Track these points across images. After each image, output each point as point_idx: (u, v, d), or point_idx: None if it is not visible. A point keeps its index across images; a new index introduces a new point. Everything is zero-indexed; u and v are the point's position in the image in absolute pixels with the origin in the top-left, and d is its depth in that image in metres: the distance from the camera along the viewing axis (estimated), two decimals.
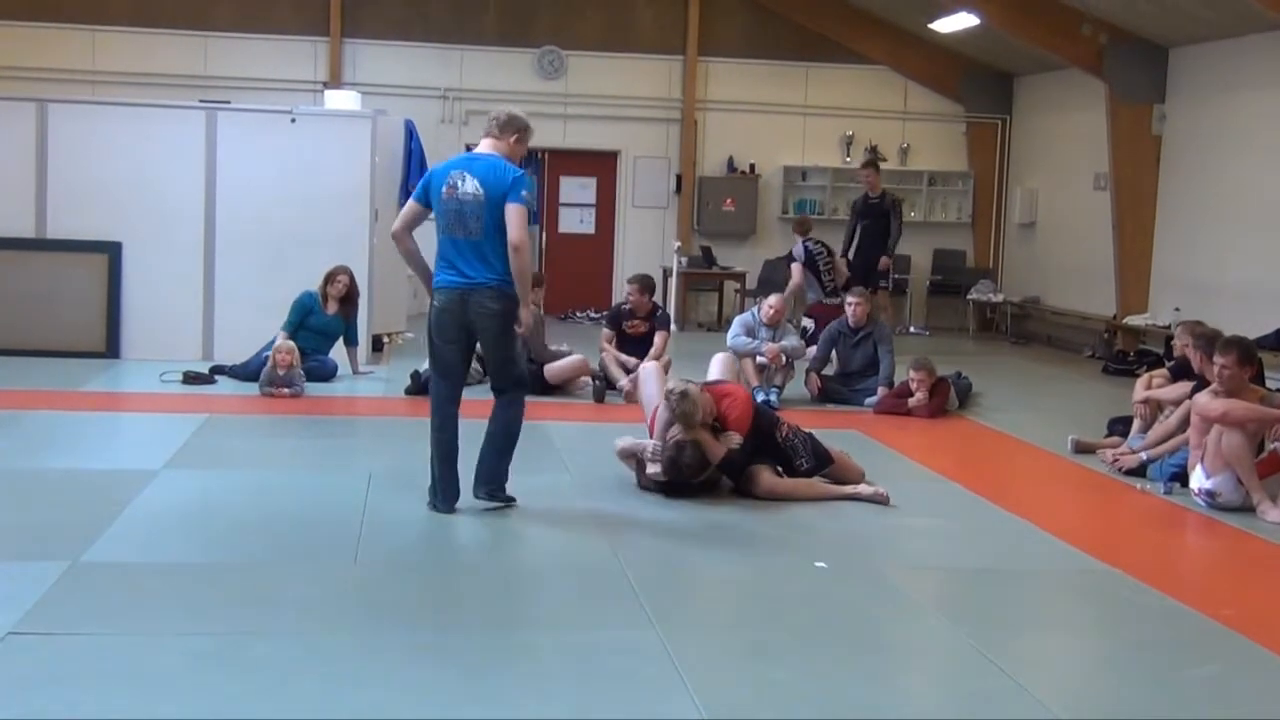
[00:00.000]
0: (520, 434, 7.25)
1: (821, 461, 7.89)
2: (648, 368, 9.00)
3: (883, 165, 16.82)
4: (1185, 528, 7.70)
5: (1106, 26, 14.98)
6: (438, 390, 7.24)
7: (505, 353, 7.08)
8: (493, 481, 7.19)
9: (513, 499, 7.25)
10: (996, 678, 4.93)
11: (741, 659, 5.14)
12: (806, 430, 8.10)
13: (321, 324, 11.55)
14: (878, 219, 15.04)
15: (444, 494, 7.09)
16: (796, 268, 14.25)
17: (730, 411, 7.76)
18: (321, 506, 7.19)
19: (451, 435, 7.14)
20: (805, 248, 14.22)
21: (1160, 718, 4.66)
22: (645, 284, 11.91)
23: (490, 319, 6.94)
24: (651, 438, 7.83)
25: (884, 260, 15.00)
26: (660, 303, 12.46)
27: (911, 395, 10.94)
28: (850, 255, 15.12)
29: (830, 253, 14.24)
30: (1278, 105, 13.37)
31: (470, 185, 6.88)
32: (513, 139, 7.08)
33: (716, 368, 9.69)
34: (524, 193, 6.85)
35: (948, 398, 11.09)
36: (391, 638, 5.13)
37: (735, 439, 7.64)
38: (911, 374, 11.02)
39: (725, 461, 7.62)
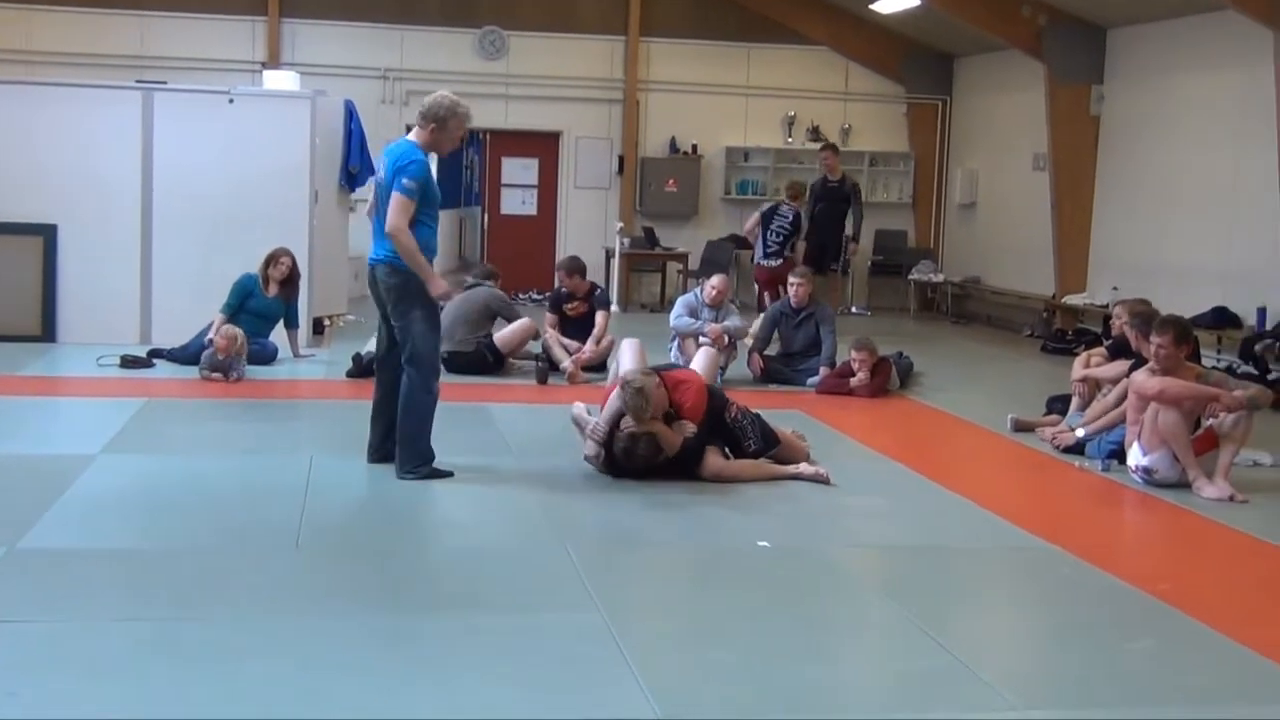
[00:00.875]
0: (430, 411, 7.42)
1: (769, 442, 7.91)
2: (629, 341, 9.16)
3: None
4: (1123, 505, 7.79)
5: (1045, 8, 15.10)
6: (376, 356, 7.76)
7: (402, 324, 7.33)
8: (406, 459, 7.36)
9: (442, 472, 7.41)
10: (940, 655, 4.97)
11: (686, 640, 5.15)
12: (754, 411, 8.12)
13: (261, 306, 11.44)
14: (835, 203, 15.17)
15: (369, 445, 7.64)
16: (754, 217, 14.60)
17: (685, 400, 7.75)
18: (263, 490, 7.14)
19: (381, 396, 7.61)
20: (773, 205, 14.65)
21: (1099, 691, 4.72)
22: (572, 267, 11.99)
23: (388, 291, 7.35)
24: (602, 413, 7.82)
25: (853, 247, 15.23)
26: (599, 283, 12.49)
27: (853, 375, 10.99)
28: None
29: (796, 228, 14.38)
30: (1214, 86, 13.53)
31: (382, 171, 7.34)
32: (430, 128, 7.26)
33: (699, 364, 9.74)
34: (405, 180, 7.09)
35: (889, 377, 11.16)
36: (335, 621, 5.11)
37: (690, 428, 7.64)
38: (853, 354, 11.07)
39: (682, 451, 7.61)
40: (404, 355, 7.35)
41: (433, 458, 7.41)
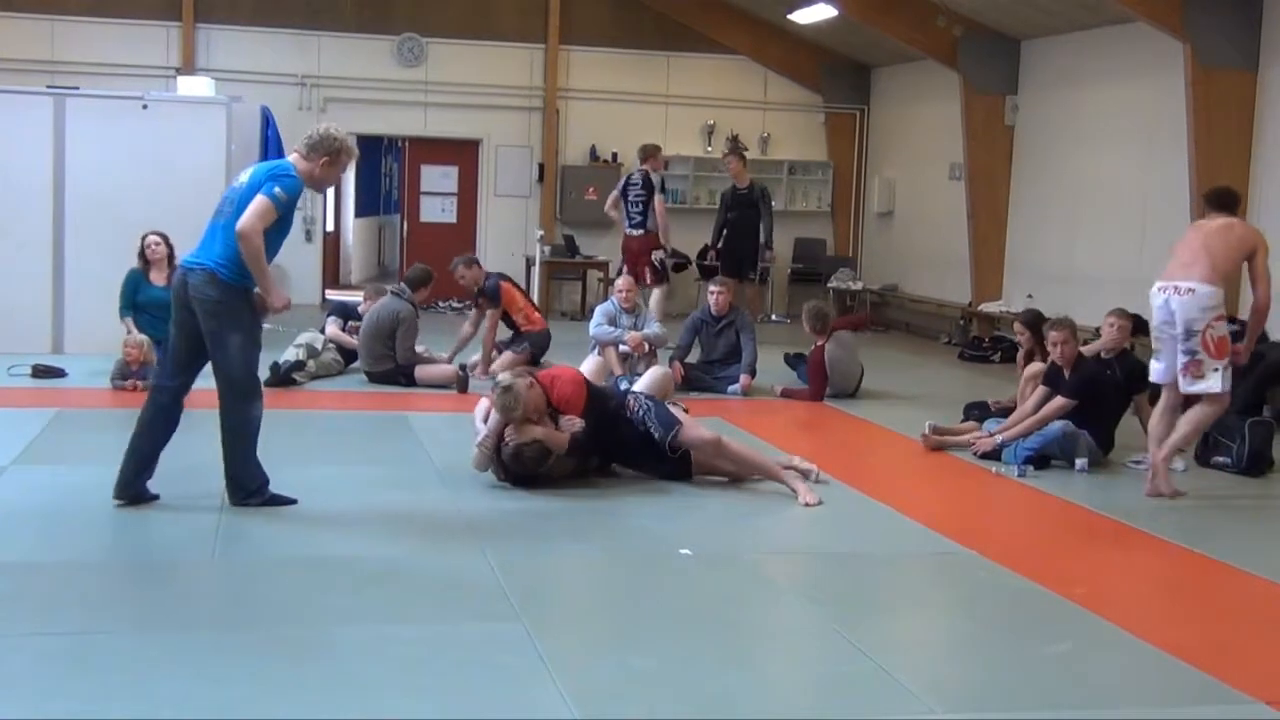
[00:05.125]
0: (253, 436, 6.91)
1: (669, 427, 7.71)
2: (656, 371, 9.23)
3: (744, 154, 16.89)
4: (1039, 510, 7.87)
5: (961, 19, 15.26)
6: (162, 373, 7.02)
7: (217, 344, 6.74)
8: (236, 490, 6.89)
9: (281, 499, 6.96)
10: (859, 660, 4.99)
11: (607, 648, 5.14)
12: (648, 397, 8.07)
13: (155, 297, 10.99)
14: (746, 209, 15.12)
15: (118, 481, 6.81)
16: (613, 194, 14.51)
17: (562, 391, 7.71)
18: (177, 502, 7.01)
19: (145, 421, 6.91)
20: (626, 176, 14.68)
21: (1017, 694, 4.76)
22: (469, 260, 12.07)
23: (202, 304, 6.71)
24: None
25: (770, 254, 15.14)
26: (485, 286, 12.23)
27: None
28: (719, 247, 15.37)
29: (649, 189, 14.26)
30: (1125, 96, 13.74)
31: (244, 177, 6.85)
32: (322, 161, 6.82)
33: (646, 382, 9.71)
34: (277, 188, 6.59)
35: (821, 376, 11.21)
36: (251, 634, 5.04)
37: (577, 423, 7.61)
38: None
39: (574, 448, 7.59)
40: (217, 377, 6.80)
41: (266, 482, 6.98)
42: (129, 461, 6.83)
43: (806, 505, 7.39)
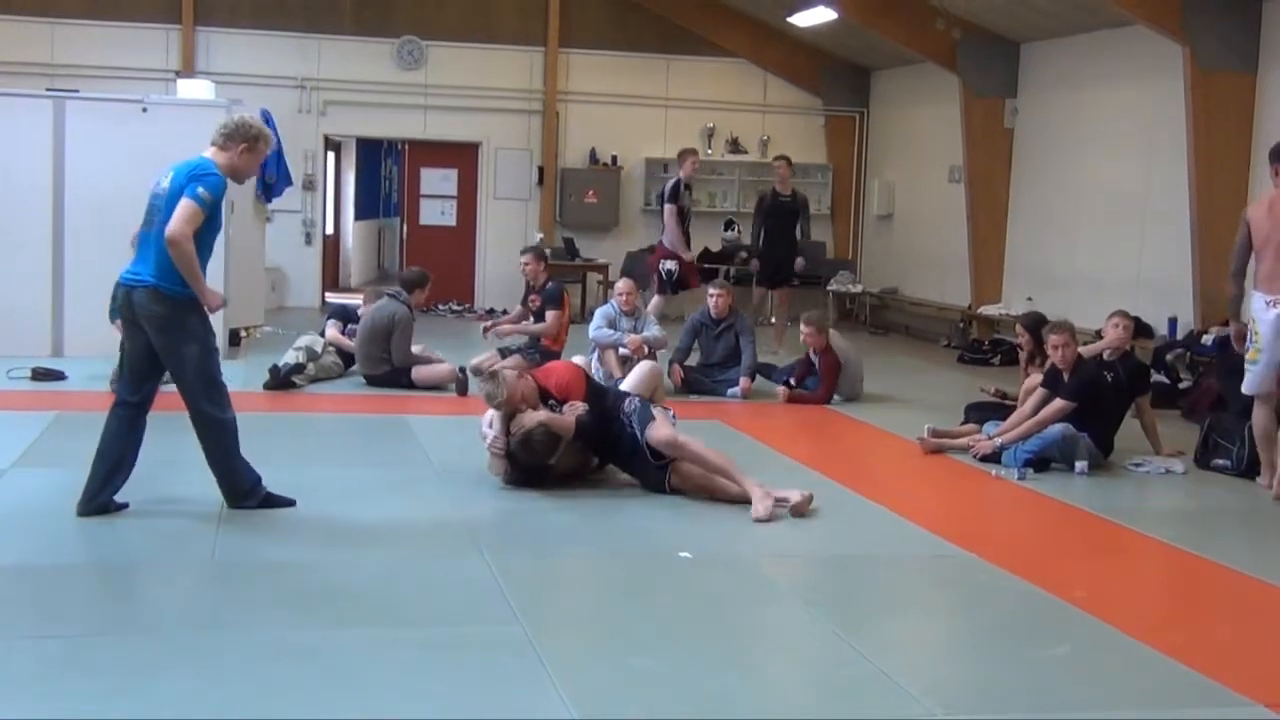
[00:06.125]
0: (233, 438, 6.79)
1: (645, 424, 7.59)
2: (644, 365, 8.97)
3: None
4: (1039, 512, 7.87)
5: (960, 22, 15.27)
6: (118, 388, 6.91)
7: (174, 357, 6.62)
8: (231, 494, 6.85)
9: (279, 499, 6.94)
10: (858, 663, 5.00)
11: (608, 651, 5.13)
12: (643, 400, 8.00)
13: None
14: (785, 217, 14.74)
15: (84, 492, 6.69)
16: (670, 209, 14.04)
17: (560, 379, 7.73)
18: (176, 504, 7.02)
19: (109, 435, 6.73)
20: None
21: (1016, 697, 4.77)
22: (542, 253, 12.09)
23: (151, 321, 6.59)
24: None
25: (799, 261, 14.88)
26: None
27: (810, 370, 11.24)
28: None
29: (661, 198, 14.32)
30: (1125, 99, 13.74)
31: (165, 182, 6.69)
32: (241, 148, 6.72)
33: (632, 380, 9.62)
34: (201, 189, 6.48)
35: (837, 378, 11.19)
36: (252, 636, 5.04)
37: (580, 407, 7.60)
38: (803, 329, 11.18)
39: (580, 431, 7.57)
40: (181, 389, 6.68)
41: (258, 480, 6.96)
42: (95, 475, 6.69)
43: (756, 519, 7.09)
